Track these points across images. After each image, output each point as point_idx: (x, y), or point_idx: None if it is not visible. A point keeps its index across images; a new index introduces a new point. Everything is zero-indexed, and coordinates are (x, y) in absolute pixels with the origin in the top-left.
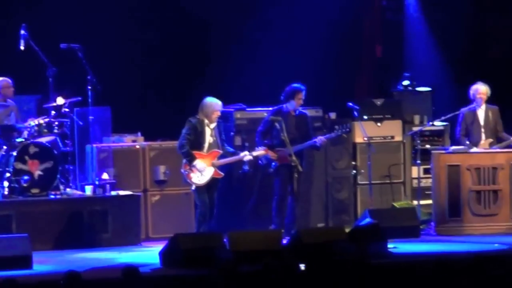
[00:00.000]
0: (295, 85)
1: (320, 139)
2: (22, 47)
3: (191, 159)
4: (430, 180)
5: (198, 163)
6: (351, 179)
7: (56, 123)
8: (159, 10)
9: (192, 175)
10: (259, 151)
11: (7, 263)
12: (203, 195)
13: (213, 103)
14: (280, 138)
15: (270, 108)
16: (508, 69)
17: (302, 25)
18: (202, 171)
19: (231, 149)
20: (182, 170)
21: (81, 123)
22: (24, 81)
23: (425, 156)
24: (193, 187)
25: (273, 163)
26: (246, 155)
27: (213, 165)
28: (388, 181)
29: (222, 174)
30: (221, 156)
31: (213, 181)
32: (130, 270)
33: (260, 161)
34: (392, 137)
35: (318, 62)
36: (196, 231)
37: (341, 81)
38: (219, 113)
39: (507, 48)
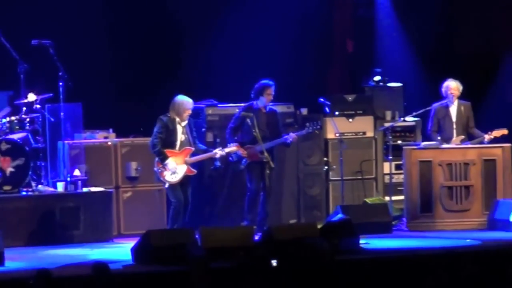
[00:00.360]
0: (264, 81)
1: (290, 136)
2: None
3: (163, 158)
4: (402, 176)
5: (171, 161)
6: (323, 175)
7: (28, 119)
8: (130, 8)
9: (165, 173)
10: (231, 148)
11: None
12: (177, 192)
13: (184, 101)
14: (251, 134)
15: (242, 104)
16: (478, 66)
17: (273, 20)
18: (175, 169)
19: (203, 147)
20: (155, 169)
21: (52, 119)
22: None
23: (397, 152)
24: (167, 185)
25: (244, 160)
26: (218, 152)
27: (185, 162)
28: (360, 177)
29: (195, 171)
30: (193, 154)
31: (186, 178)
32: (100, 266)
33: (230, 158)
34: (364, 133)
35: (289, 57)
36: (169, 227)
37: (313, 77)
38: (190, 112)
39: (477, 44)
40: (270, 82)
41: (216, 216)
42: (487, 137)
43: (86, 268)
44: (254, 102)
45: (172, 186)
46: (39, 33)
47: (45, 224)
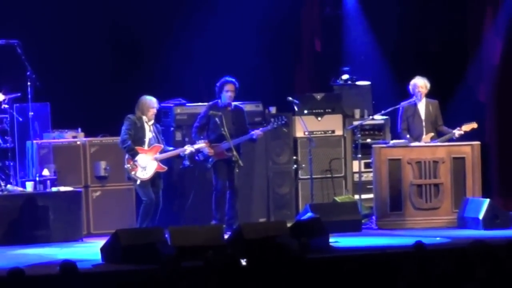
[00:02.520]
0: (223, 78)
1: (256, 132)
2: None
3: (133, 153)
4: (371, 174)
5: (141, 157)
6: (292, 173)
7: None
8: (98, 7)
9: (136, 169)
10: (200, 144)
11: None
12: (148, 190)
13: (148, 100)
14: (217, 133)
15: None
16: (446, 63)
17: (242, 19)
18: (146, 166)
19: (171, 148)
20: (126, 166)
21: (20, 119)
22: None
23: (366, 150)
24: (138, 182)
25: (210, 159)
26: (187, 148)
27: (155, 159)
28: (329, 176)
29: (165, 167)
30: (162, 152)
31: (157, 176)
32: (68, 265)
33: (197, 157)
34: (333, 132)
35: (257, 56)
36: (139, 226)
37: (281, 76)
38: (155, 111)
39: (445, 41)
40: (229, 79)
41: (185, 215)
42: (457, 132)
43: (55, 268)
44: (219, 101)
45: (143, 183)
46: (6, 32)
47: (14, 224)
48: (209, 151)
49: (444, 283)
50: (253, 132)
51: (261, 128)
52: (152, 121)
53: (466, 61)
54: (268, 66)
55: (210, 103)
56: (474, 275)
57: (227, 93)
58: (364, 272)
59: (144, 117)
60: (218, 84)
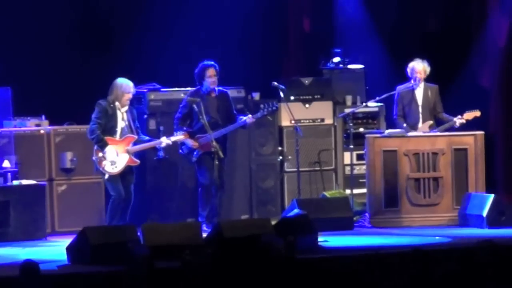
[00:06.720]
0: (203, 62)
1: (249, 117)
2: None
3: (102, 145)
4: (364, 167)
5: (111, 149)
6: (277, 166)
7: None
8: None
9: (104, 162)
10: (178, 136)
11: None
12: (117, 185)
13: (124, 84)
14: (201, 123)
15: (188, 89)
16: (447, 45)
17: None
18: (116, 159)
19: (147, 138)
20: (94, 158)
21: None
22: None
23: (359, 140)
24: (106, 176)
25: (195, 152)
26: (164, 141)
27: (127, 151)
28: (318, 168)
29: (138, 161)
30: (136, 143)
31: (128, 170)
32: (29, 266)
33: (181, 151)
34: (322, 120)
35: (240, 37)
36: (108, 224)
37: (266, 59)
38: (130, 96)
39: (447, 21)
40: (209, 63)
41: (160, 212)
42: (458, 121)
43: (15, 269)
44: (201, 88)
45: (112, 178)
46: None
47: None
48: (193, 144)
49: (444, 286)
50: (244, 118)
51: (251, 115)
52: (126, 107)
53: (469, 42)
54: (251, 48)
55: (192, 90)
56: (479, 278)
57: (210, 79)
58: (355, 275)
59: (117, 103)
60: (197, 71)
